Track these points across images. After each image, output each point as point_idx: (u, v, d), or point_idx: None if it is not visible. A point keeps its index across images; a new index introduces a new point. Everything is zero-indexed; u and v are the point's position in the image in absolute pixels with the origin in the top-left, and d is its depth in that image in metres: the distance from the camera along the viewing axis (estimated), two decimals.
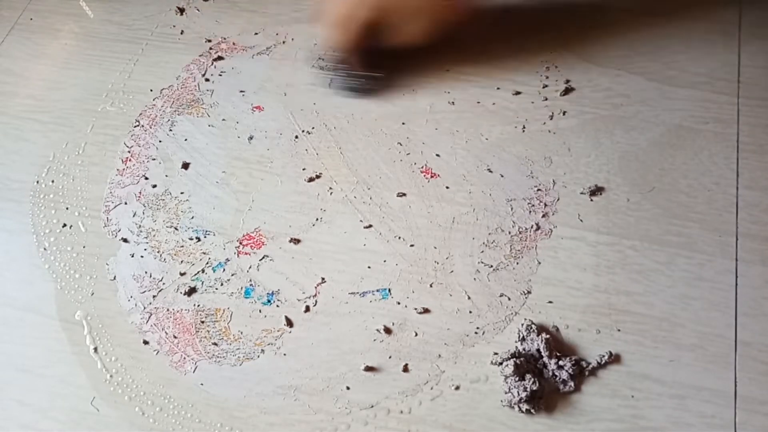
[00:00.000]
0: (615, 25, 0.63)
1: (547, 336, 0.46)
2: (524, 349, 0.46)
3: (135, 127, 0.61)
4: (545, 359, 0.45)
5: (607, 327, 0.47)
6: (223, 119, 0.61)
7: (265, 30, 0.67)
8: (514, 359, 0.45)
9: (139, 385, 0.48)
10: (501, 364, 0.46)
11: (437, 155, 0.57)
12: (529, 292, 0.49)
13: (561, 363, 0.45)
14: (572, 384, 0.45)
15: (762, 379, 0.45)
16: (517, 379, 0.44)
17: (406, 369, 0.47)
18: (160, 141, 0.60)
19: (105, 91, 0.64)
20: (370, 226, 0.54)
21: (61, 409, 0.48)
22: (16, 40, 0.69)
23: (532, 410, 0.44)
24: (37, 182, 0.59)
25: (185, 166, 0.58)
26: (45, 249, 0.55)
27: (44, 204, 0.58)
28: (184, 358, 0.49)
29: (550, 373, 0.45)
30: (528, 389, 0.44)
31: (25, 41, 0.69)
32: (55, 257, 0.55)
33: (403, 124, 0.59)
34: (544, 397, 0.45)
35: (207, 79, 0.64)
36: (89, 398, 0.48)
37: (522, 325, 0.47)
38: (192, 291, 0.52)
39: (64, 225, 0.56)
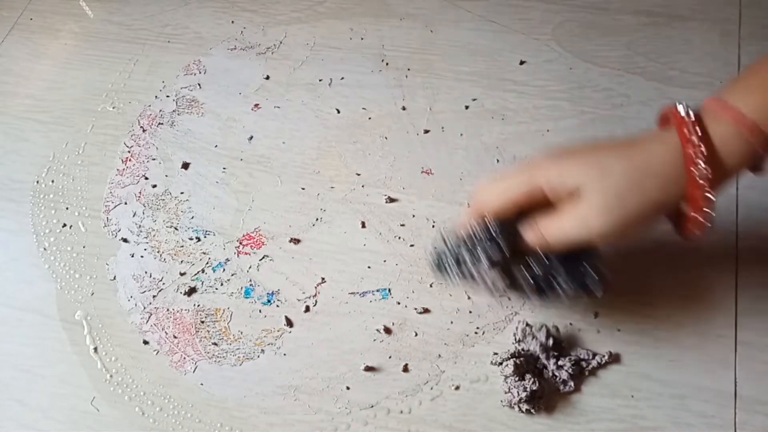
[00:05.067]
0: (615, 25, 0.63)
1: (547, 336, 0.46)
2: (524, 349, 0.46)
3: (135, 127, 0.62)
4: (544, 360, 0.45)
5: (607, 327, 0.47)
6: (224, 119, 0.61)
7: (265, 30, 0.67)
8: (514, 359, 0.45)
9: (139, 385, 0.48)
10: (501, 364, 0.46)
11: (437, 155, 0.57)
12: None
13: (561, 363, 0.45)
14: (572, 384, 0.45)
15: (762, 379, 0.45)
16: (517, 379, 0.44)
17: (406, 369, 0.47)
18: (160, 141, 0.60)
19: (105, 91, 0.64)
20: (370, 226, 0.54)
21: (61, 409, 0.48)
22: (16, 40, 0.69)
23: (532, 410, 0.44)
24: (37, 182, 0.59)
25: (185, 166, 0.58)
26: (45, 249, 0.55)
27: (44, 204, 0.58)
28: (184, 358, 0.49)
29: (550, 374, 0.45)
30: (528, 389, 0.44)
31: (25, 41, 0.69)
32: (55, 257, 0.54)
33: (403, 123, 0.59)
34: (544, 397, 0.45)
35: (207, 79, 0.64)
36: (89, 398, 0.48)
37: (522, 325, 0.47)
38: (192, 291, 0.52)
39: (64, 225, 0.56)
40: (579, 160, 0.38)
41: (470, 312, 0.49)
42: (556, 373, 0.45)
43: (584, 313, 0.48)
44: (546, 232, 0.39)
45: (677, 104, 0.37)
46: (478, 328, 0.48)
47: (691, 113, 0.36)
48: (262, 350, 0.49)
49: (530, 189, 0.39)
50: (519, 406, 0.44)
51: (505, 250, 0.40)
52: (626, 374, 0.46)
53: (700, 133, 0.35)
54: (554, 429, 0.44)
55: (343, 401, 0.46)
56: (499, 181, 0.40)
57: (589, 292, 0.41)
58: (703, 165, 0.35)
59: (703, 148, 0.35)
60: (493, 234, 0.40)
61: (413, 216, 0.54)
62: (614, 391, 0.45)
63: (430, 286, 0.50)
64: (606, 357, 0.46)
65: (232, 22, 0.68)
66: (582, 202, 0.37)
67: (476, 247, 0.40)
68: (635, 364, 0.46)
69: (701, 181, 0.35)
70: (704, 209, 0.36)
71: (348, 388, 0.47)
